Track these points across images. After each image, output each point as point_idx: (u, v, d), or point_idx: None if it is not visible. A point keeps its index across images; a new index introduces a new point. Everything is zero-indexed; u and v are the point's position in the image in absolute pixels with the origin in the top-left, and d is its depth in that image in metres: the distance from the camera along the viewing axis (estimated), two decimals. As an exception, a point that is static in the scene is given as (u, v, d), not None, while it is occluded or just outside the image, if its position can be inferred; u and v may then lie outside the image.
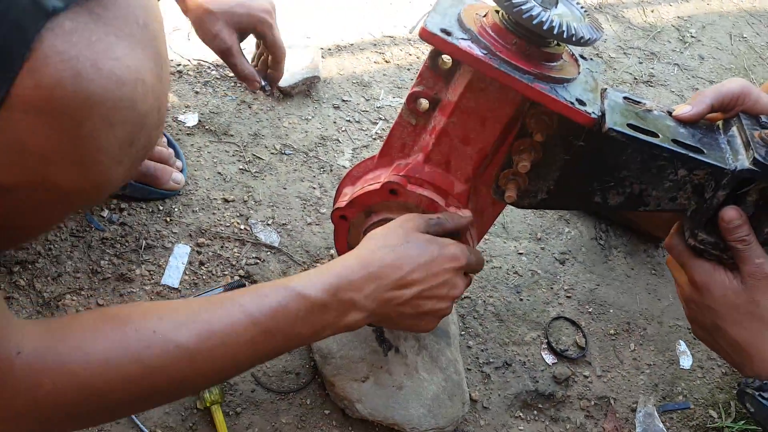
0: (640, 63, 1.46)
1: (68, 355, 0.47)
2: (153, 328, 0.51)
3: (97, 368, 0.48)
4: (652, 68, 1.46)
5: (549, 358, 0.90)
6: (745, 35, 1.69)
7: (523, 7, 0.58)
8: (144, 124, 0.44)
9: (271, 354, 0.60)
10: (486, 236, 1.01)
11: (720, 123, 0.68)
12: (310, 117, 1.09)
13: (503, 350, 0.90)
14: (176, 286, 0.84)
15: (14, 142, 0.39)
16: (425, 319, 0.67)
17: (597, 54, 1.43)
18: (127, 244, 0.86)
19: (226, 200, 0.94)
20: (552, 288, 0.98)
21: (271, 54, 0.96)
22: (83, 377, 0.47)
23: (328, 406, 0.79)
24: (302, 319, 0.59)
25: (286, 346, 0.60)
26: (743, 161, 0.61)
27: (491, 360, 0.88)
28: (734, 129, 0.66)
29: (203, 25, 0.87)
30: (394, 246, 0.64)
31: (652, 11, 1.64)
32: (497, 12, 0.64)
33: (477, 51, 0.61)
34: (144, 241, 0.87)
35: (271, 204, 0.96)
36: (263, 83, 0.93)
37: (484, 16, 0.65)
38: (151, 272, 0.85)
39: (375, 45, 1.27)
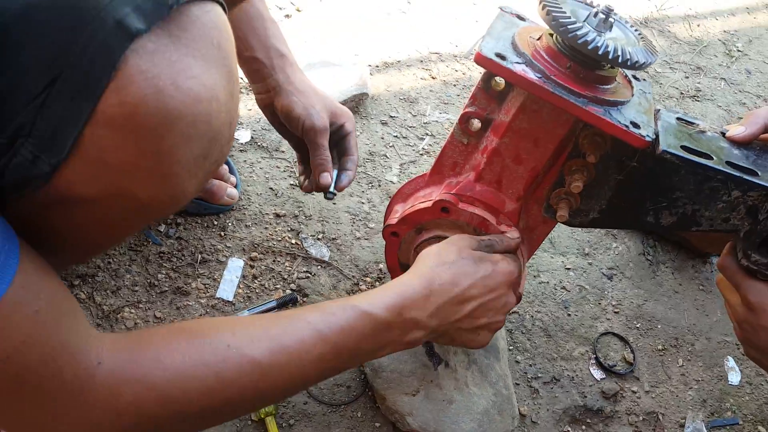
0: (686, 78, 1.45)
1: (148, 367, 0.50)
2: (227, 343, 0.53)
3: (176, 380, 0.50)
4: (699, 83, 1.45)
5: (597, 374, 0.90)
6: (793, 48, 1.66)
7: (578, 33, 0.60)
8: (217, 138, 0.46)
9: (336, 370, 0.62)
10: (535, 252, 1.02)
11: (775, 144, 0.68)
12: (358, 133, 1.12)
13: (551, 365, 0.90)
14: (230, 299, 0.87)
15: (98, 156, 0.42)
16: (481, 333, 0.69)
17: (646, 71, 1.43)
18: (183, 258, 0.90)
19: (277, 215, 0.98)
20: (600, 303, 0.98)
21: (347, 155, 0.87)
22: (163, 389, 0.50)
23: (379, 419, 0.81)
24: (368, 336, 0.61)
25: (351, 362, 0.63)
26: None
27: (539, 375, 0.89)
28: (789, 150, 0.66)
29: (299, 98, 0.82)
30: (450, 263, 0.66)
31: (698, 25, 1.63)
32: (551, 35, 0.65)
33: (532, 75, 0.63)
34: (199, 255, 0.90)
35: (321, 219, 0.99)
36: (332, 189, 0.84)
37: (538, 39, 0.67)
38: (207, 285, 0.88)
39: (422, 61, 1.29)
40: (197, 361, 0.52)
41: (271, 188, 1.01)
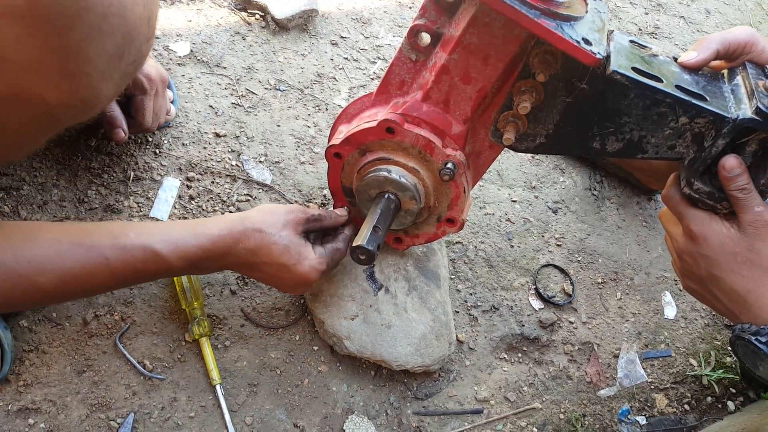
0: (646, 14, 1.43)
1: None
2: (19, 271, 0.54)
3: None
4: (658, 20, 1.43)
5: (536, 304, 0.91)
6: (753, -10, 1.65)
7: (533, -63, 0.56)
8: (134, 35, 0.42)
9: (110, 291, 0.70)
10: (480, 182, 1.00)
11: (725, 72, 0.67)
12: (306, 53, 1.06)
13: (492, 295, 0.90)
14: (165, 219, 0.83)
15: None
16: (288, 285, 0.72)
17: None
18: (114, 174, 0.84)
19: (217, 135, 0.93)
20: (543, 236, 0.98)
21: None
22: None
23: (317, 342, 0.80)
24: (156, 276, 0.64)
25: (129, 285, 0.68)
26: (746, 110, 0.60)
27: (479, 304, 0.89)
28: (739, 78, 0.65)
29: None
30: (266, 232, 0.68)
31: (662, -40, 1.59)
32: (506, -57, 0.61)
33: (483, -17, 0.59)
34: (132, 173, 0.85)
35: (263, 141, 0.94)
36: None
37: (492, -54, 0.62)
38: (140, 204, 0.83)
39: (376, -19, 1.22)
40: None
41: (211, 106, 0.95)
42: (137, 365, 0.73)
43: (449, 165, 0.69)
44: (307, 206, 0.79)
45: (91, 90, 0.42)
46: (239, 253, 0.67)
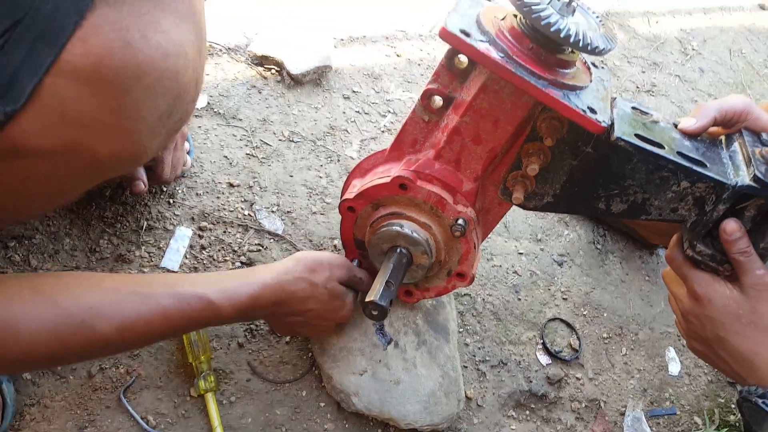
0: (643, 72, 1.48)
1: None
2: (81, 318, 0.55)
3: (23, 342, 0.51)
4: (654, 78, 1.48)
5: (543, 359, 0.92)
6: (744, 51, 1.71)
7: (541, 14, 0.59)
8: (183, 96, 0.45)
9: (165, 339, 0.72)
10: (489, 235, 1.02)
11: (723, 138, 0.70)
12: (319, 106, 1.10)
13: (500, 349, 0.91)
14: (176, 269, 0.85)
15: (57, 107, 0.40)
16: (303, 329, 0.76)
17: (601, 61, 1.45)
18: (127, 224, 0.86)
19: (231, 185, 0.95)
20: (549, 289, 1.00)
21: None
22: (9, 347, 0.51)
23: (324, 398, 0.80)
24: (207, 324, 0.66)
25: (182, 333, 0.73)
26: (744, 177, 0.63)
27: (487, 358, 0.90)
28: (736, 144, 0.68)
29: None
30: (313, 283, 0.71)
31: (657, 22, 1.66)
32: (515, 16, 0.65)
33: (494, 54, 0.62)
34: (145, 222, 0.87)
35: (276, 191, 0.97)
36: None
37: (503, 19, 0.66)
38: (151, 254, 0.85)
39: (387, 38, 1.27)
40: (49, 329, 0.53)
41: (225, 156, 0.98)
42: (140, 421, 0.73)
43: (460, 221, 0.71)
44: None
45: (141, 145, 0.45)
46: (288, 300, 0.70)
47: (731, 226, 0.62)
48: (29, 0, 0.38)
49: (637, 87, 1.43)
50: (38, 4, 0.38)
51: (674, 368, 0.98)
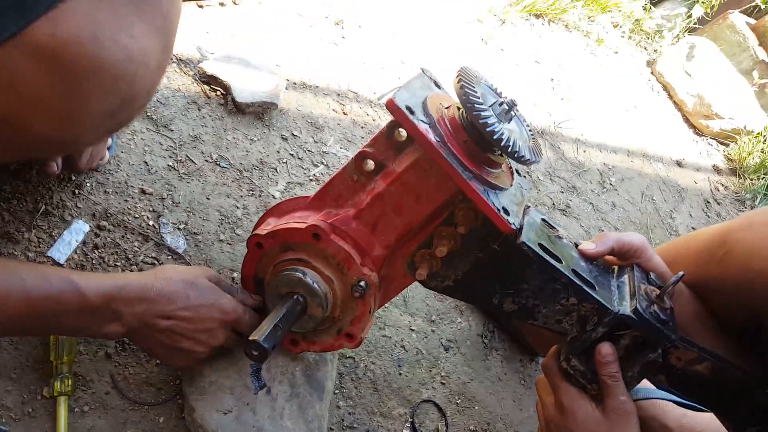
0: (562, 192, 1.59)
1: None
2: None
3: None
4: (570, 200, 1.59)
5: (408, 437, 0.93)
6: (654, 198, 1.88)
7: (482, 113, 0.64)
8: (132, 102, 0.46)
9: (25, 332, 0.66)
10: (387, 305, 1.04)
11: (615, 268, 0.76)
12: (255, 139, 1.10)
13: (369, 418, 0.91)
14: (62, 261, 0.80)
15: (7, 76, 0.40)
16: (179, 355, 0.72)
17: (528, 172, 1.55)
18: (24, 203, 0.81)
19: (143, 191, 0.92)
20: (430, 371, 1.02)
21: None
22: None
23: (181, 429, 0.77)
24: (71, 313, 0.62)
25: (43, 331, 0.66)
26: (626, 308, 0.68)
27: (355, 425, 0.89)
28: (626, 277, 0.74)
29: None
30: (178, 281, 0.69)
31: (584, 151, 1.80)
32: (459, 109, 0.69)
33: (431, 136, 0.66)
34: (43, 206, 0.82)
35: (188, 209, 0.95)
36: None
37: (447, 107, 0.70)
38: (40, 240, 0.80)
39: (338, 95, 1.31)
40: None
41: (146, 162, 0.95)
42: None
43: (362, 283, 0.72)
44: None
45: (77, 135, 0.45)
46: (156, 298, 0.66)
47: (606, 350, 0.67)
48: None
49: (554, 203, 1.53)
50: None
51: (528, 474, 1.00)
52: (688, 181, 2.07)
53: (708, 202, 2.05)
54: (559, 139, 1.77)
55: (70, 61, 0.40)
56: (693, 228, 1.90)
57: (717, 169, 2.21)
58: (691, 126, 2.28)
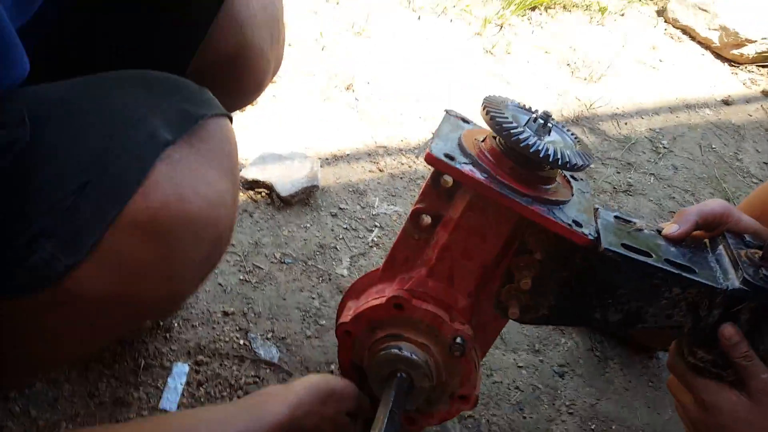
0: (618, 173, 1.54)
1: None
2: None
3: None
4: (630, 178, 1.54)
5: (555, 477, 0.88)
6: (714, 146, 1.79)
7: (520, 137, 0.63)
8: (221, 241, 0.49)
9: None
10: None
11: (707, 241, 0.72)
12: (309, 225, 1.12)
13: (508, 469, 0.87)
14: (174, 410, 0.82)
15: (115, 257, 0.43)
16: None
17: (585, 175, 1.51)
18: (125, 363, 0.84)
19: (226, 313, 0.94)
20: (554, 404, 0.97)
21: None
22: None
23: None
24: None
25: None
26: (734, 281, 0.64)
27: (496, 479, 0.86)
28: (721, 248, 0.69)
29: None
30: (323, 417, 0.68)
31: (626, 123, 1.75)
32: (495, 138, 0.68)
33: (478, 175, 0.65)
34: (143, 360, 0.85)
35: (270, 316, 0.96)
36: None
37: (483, 141, 0.70)
38: (149, 395, 0.82)
39: (369, 155, 1.32)
40: None
41: (219, 284, 0.98)
42: None
43: (459, 340, 0.70)
44: None
45: (183, 288, 0.48)
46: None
47: (729, 331, 0.63)
48: (100, 162, 0.42)
49: (614, 188, 1.48)
50: (107, 166, 0.42)
51: (691, 476, 0.93)
52: (741, 116, 1.97)
53: (771, 130, 1.94)
54: (597, 120, 1.72)
55: (165, 225, 0.44)
56: (765, 163, 1.80)
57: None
58: (725, 60, 2.19)
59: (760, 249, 0.66)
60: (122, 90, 0.46)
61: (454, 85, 1.61)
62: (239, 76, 0.69)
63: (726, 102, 2.01)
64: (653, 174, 1.58)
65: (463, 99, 1.55)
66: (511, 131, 0.63)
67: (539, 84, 1.76)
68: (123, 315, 0.49)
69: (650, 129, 1.77)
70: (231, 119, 0.52)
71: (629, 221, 0.72)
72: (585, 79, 1.84)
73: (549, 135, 0.68)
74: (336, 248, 1.10)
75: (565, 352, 1.05)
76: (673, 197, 1.52)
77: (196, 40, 0.62)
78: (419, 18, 1.78)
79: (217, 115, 0.49)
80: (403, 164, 1.34)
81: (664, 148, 1.71)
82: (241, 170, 1.15)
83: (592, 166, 0.67)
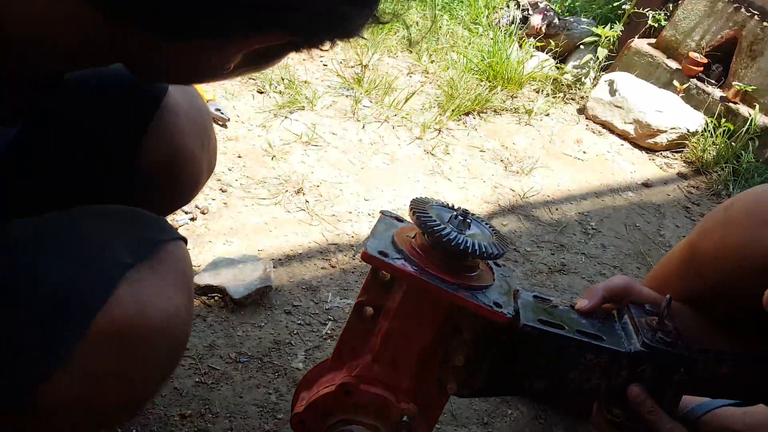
0: (552, 254, 1.67)
1: None
2: None
3: None
4: (563, 258, 1.67)
5: None
6: (638, 224, 1.96)
7: (442, 233, 0.73)
8: (178, 348, 0.56)
9: None
10: (437, 425, 1.06)
11: (615, 312, 0.82)
12: (263, 324, 1.18)
13: None
14: None
15: (83, 367, 0.48)
16: None
17: (515, 249, 1.64)
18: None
19: (183, 416, 0.98)
20: (505, 475, 1.03)
21: None
22: None
23: None
24: None
25: None
26: (635, 344, 0.74)
27: None
28: (626, 317, 0.80)
29: None
30: None
31: (557, 209, 1.91)
32: (423, 234, 0.78)
33: (409, 268, 0.74)
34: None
35: (228, 415, 1.00)
36: None
37: (413, 237, 0.79)
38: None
39: (321, 252, 1.41)
40: None
41: (176, 388, 1.02)
42: None
43: (405, 419, 0.76)
44: None
45: (144, 393, 0.54)
46: None
47: (634, 391, 0.72)
48: (71, 285, 0.48)
49: (549, 268, 1.61)
50: (79, 288, 0.48)
51: None
52: (661, 196, 2.17)
53: (687, 207, 2.14)
54: (530, 208, 1.87)
55: (128, 337, 0.50)
56: (684, 236, 1.97)
57: (682, 175, 2.33)
58: (642, 148, 2.42)
59: (657, 316, 0.77)
60: (90, 223, 0.54)
61: (399, 183, 1.74)
62: (175, 179, 0.79)
63: (646, 184, 2.21)
64: (584, 253, 1.72)
65: (409, 195, 1.69)
66: (434, 228, 0.73)
67: (477, 179, 1.92)
68: (86, 422, 0.52)
69: (579, 213, 1.93)
70: (186, 241, 0.60)
71: (547, 299, 0.82)
72: (517, 173, 2.01)
73: (469, 229, 0.78)
74: (291, 343, 1.16)
75: (511, 421, 1.11)
76: (603, 273, 1.65)
77: (132, 153, 0.71)
78: (363, 127, 1.94)
79: (174, 239, 0.57)
80: (354, 259, 1.43)
81: (593, 229, 1.86)
82: (192, 278, 1.21)
83: (505, 254, 0.78)
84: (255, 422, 1.00)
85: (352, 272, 1.39)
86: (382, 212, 0.87)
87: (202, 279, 1.20)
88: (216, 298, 1.19)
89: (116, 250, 0.51)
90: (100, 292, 0.49)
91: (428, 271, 0.74)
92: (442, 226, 0.74)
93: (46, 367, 0.48)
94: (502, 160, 2.05)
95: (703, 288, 0.79)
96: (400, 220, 0.86)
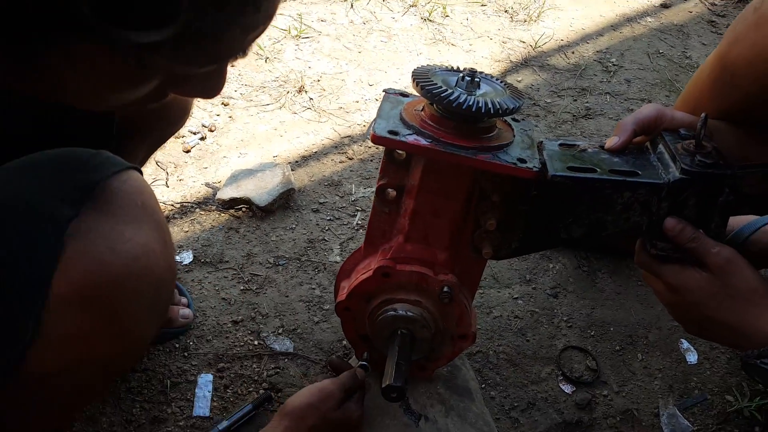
0: (575, 101, 1.60)
1: None
2: None
3: None
4: (587, 102, 1.60)
5: (567, 388, 0.96)
6: (661, 51, 1.85)
7: (450, 98, 0.69)
8: (162, 284, 0.51)
9: None
10: (480, 290, 1.08)
11: (648, 144, 0.78)
12: (294, 226, 1.18)
13: (524, 392, 0.95)
14: (207, 414, 0.89)
15: (59, 333, 0.45)
16: None
17: (534, 103, 1.57)
18: (153, 387, 0.91)
19: (235, 322, 1.01)
20: (553, 322, 1.05)
21: None
22: None
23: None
24: None
25: None
26: (674, 173, 0.70)
27: (516, 404, 0.93)
28: (661, 146, 0.75)
29: None
30: (308, 428, 0.75)
31: (573, 52, 1.80)
32: (431, 104, 0.74)
33: (423, 141, 0.71)
34: (168, 381, 0.92)
35: (277, 314, 1.03)
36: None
37: (422, 110, 0.75)
38: (182, 408, 0.90)
39: (336, 147, 1.38)
40: None
41: (223, 298, 1.04)
42: None
43: (446, 289, 0.77)
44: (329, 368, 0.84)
45: (137, 340, 0.51)
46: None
47: (670, 223, 0.69)
48: (8, 258, 0.43)
49: (574, 116, 1.54)
50: (18, 260, 0.43)
51: (692, 357, 1.01)
52: (682, 15, 2.02)
53: (712, 21, 1.99)
54: (545, 57, 1.77)
55: (94, 292, 0.45)
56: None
57: (703, -12, 2.15)
58: (655, -34, 2.23)
59: (694, 139, 0.73)
60: (12, 183, 0.47)
61: (401, 60, 1.66)
62: (164, 108, 0.73)
63: (664, 5, 2.05)
64: (608, 93, 1.64)
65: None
66: (442, 95, 0.69)
67: (482, 37, 1.81)
68: (89, 380, 0.51)
69: (597, 51, 1.82)
70: (138, 169, 0.52)
71: (573, 145, 0.78)
72: (525, 21, 1.89)
73: (479, 88, 0.73)
74: (324, 239, 1.16)
75: (554, 275, 1.12)
76: (631, 109, 1.58)
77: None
78: (351, 6, 1.82)
79: (118, 171, 0.49)
80: (370, 148, 1.40)
81: (614, 65, 1.76)
82: (216, 193, 1.21)
83: (523, 105, 0.73)
84: (304, 316, 1.03)
85: (371, 160, 1.36)
86: (385, 91, 0.82)
87: (225, 194, 1.19)
88: (243, 209, 1.19)
89: (51, 205, 0.45)
90: (44, 259, 0.44)
91: (443, 140, 0.71)
92: (450, 91, 0.70)
93: (21, 347, 0.44)
94: (506, 11, 1.92)
95: (739, 99, 0.74)
96: (405, 95, 0.81)
